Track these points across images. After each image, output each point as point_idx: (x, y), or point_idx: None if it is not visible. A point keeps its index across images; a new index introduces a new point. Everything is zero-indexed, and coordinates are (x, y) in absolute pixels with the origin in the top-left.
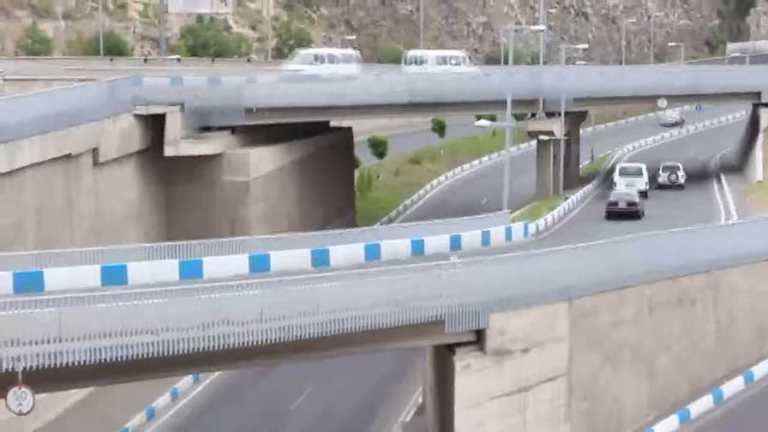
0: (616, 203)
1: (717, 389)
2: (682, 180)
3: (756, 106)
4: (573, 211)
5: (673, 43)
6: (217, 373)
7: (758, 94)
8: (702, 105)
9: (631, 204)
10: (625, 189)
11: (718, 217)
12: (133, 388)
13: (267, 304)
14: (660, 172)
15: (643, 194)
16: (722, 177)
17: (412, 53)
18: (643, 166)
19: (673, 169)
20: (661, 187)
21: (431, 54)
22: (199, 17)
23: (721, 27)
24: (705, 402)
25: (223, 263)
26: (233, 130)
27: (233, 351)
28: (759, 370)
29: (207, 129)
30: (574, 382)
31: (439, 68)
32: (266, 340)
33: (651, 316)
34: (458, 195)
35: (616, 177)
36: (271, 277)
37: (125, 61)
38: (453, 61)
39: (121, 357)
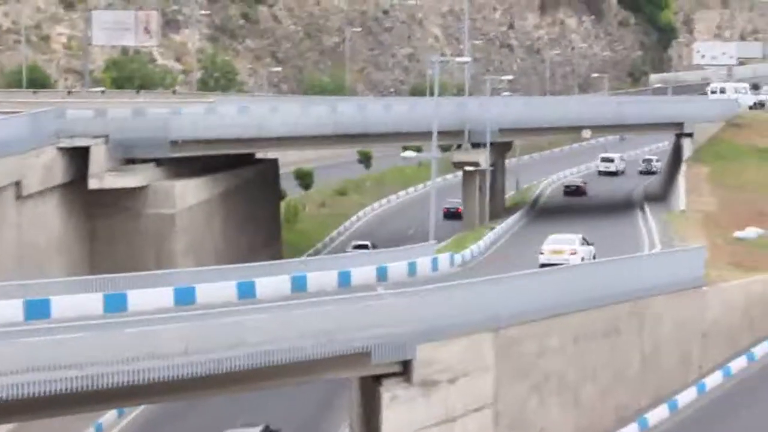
0: (568, 186)
1: (642, 418)
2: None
3: (678, 136)
4: (499, 241)
5: (596, 74)
6: (141, 407)
7: (680, 125)
8: (625, 135)
9: (579, 187)
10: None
11: (642, 246)
12: (56, 423)
13: (193, 337)
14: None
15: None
16: (646, 206)
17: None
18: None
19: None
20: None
21: (729, 85)
22: (124, 49)
23: (644, 58)
24: (630, 431)
25: (148, 296)
26: (158, 162)
27: (159, 385)
28: (683, 398)
29: (132, 161)
30: (500, 412)
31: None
32: (192, 374)
33: (577, 346)
34: (385, 226)
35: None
36: (197, 309)
37: (49, 94)
38: (742, 90)
39: (45, 392)
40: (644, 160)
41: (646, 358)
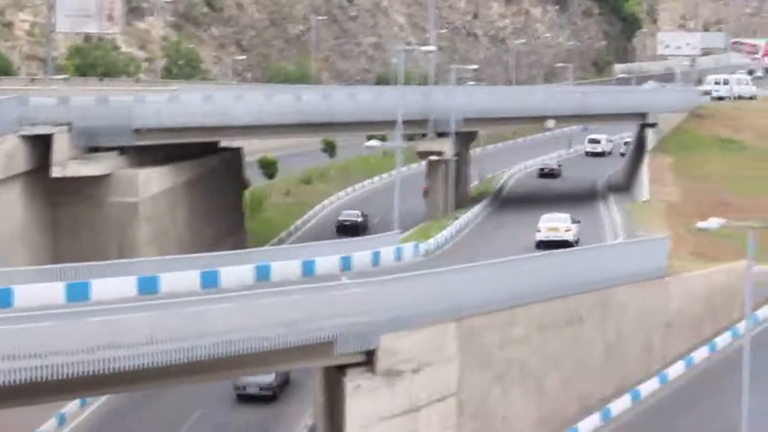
0: (543, 169)
1: (605, 407)
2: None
3: (642, 127)
4: (464, 230)
5: (561, 64)
6: (105, 397)
7: (644, 115)
8: (589, 125)
9: (553, 169)
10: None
11: (605, 236)
12: (18, 413)
13: (156, 326)
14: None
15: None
16: (610, 196)
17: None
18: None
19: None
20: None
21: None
22: (87, 37)
23: (608, 48)
24: (593, 420)
25: (112, 285)
26: (122, 150)
27: (122, 374)
28: (645, 387)
29: (95, 149)
30: (464, 401)
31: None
32: (156, 363)
33: (540, 335)
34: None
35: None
36: (161, 299)
37: (11, 81)
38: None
39: (7, 382)
40: (625, 143)
41: (610, 348)
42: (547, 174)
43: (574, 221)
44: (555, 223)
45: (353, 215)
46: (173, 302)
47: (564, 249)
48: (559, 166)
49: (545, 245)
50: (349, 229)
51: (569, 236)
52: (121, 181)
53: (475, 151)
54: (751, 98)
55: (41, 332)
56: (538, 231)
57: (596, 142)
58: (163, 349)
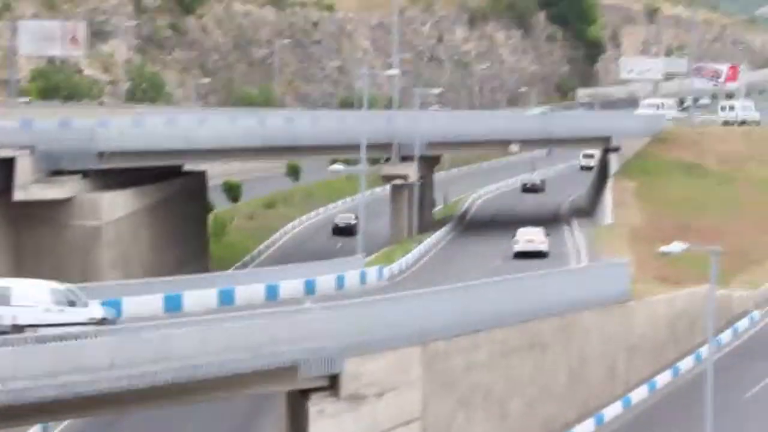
0: (525, 184)
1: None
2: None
3: (606, 151)
4: (428, 254)
5: (524, 88)
6: (66, 422)
7: (608, 139)
8: (553, 149)
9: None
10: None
11: (569, 260)
12: None
13: (118, 350)
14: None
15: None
16: (573, 220)
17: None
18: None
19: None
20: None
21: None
22: (50, 59)
23: (572, 73)
24: None
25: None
26: (85, 174)
27: (84, 399)
28: (609, 412)
29: (58, 173)
30: (428, 426)
31: None
32: (118, 388)
33: (504, 360)
34: (313, 239)
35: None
36: (123, 323)
37: None
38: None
39: None
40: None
41: (573, 372)
42: (529, 189)
43: (546, 234)
44: (531, 236)
45: (348, 218)
46: (136, 326)
47: (537, 264)
48: (542, 181)
49: (523, 255)
50: (344, 231)
51: (543, 247)
52: (84, 204)
53: (439, 175)
54: (755, 123)
55: (2, 357)
56: (516, 243)
57: (590, 156)
58: (125, 374)
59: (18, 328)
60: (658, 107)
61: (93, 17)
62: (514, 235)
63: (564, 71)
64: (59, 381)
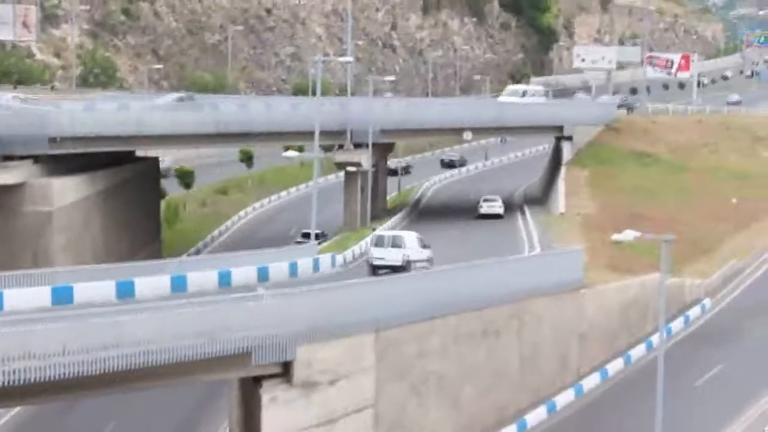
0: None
1: (521, 419)
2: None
3: (558, 140)
4: None
5: (478, 76)
6: (17, 409)
7: (560, 128)
8: (506, 138)
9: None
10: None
11: (522, 248)
12: None
13: (70, 337)
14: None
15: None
16: (526, 209)
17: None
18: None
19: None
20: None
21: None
22: (1, 44)
23: (525, 61)
24: (509, 431)
25: (25, 295)
26: (36, 159)
27: (35, 385)
28: (561, 399)
29: (9, 158)
30: (381, 413)
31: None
32: (69, 374)
33: (457, 347)
34: (266, 226)
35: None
36: (75, 309)
37: None
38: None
39: None
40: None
41: (526, 360)
42: (448, 165)
43: (503, 202)
44: (491, 203)
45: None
46: (87, 312)
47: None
48: (461, 156)
49: (485, 217)
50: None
51: (500, 211)
52: (35, 190)
53: (392, 163)
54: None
55: None
56: (480, 207)
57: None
58: (76, 360)
59: (408, 264)
60: (522, 94)
61: (44, 1)
62: (478, 202)
63: (518, 59)
64: (9, 367)
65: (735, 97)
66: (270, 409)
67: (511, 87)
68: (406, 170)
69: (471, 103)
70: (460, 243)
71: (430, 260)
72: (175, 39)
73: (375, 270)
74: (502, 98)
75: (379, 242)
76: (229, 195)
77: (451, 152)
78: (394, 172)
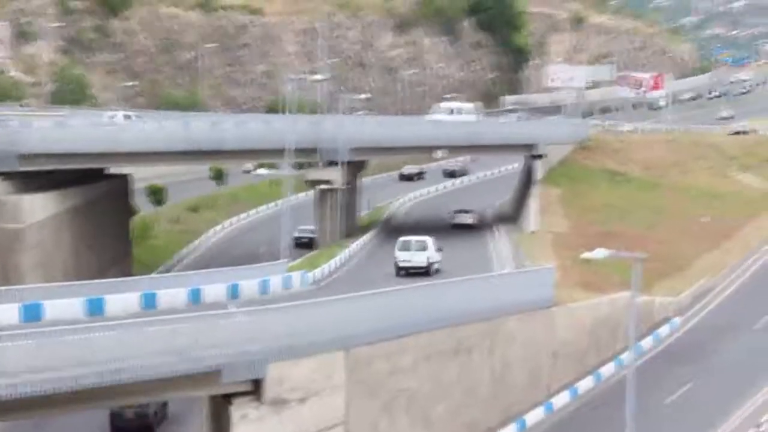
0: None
1: None
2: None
3: (530, 158)
4: (353, 259)
5: (451, 95)
6: None
7: (533, 146)
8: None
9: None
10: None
11: (492, 267)
12: None
13: (40, 354)
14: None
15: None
16: (497, 227)
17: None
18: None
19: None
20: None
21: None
22: None
23: (498, 80)
24: None
25: None
26: (7, 176)
27: (5, 403)
28: (531, 417)
29: None
30: (352, 430)
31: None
32: (39, 392)
33: (428, 365)
34: (237, 243)
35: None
36: (44, 326)
37: None
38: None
39: None
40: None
41: (497, 377)
42: (450, 174)
43: (475, 215)
44: (464, 214)
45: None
46: (57, 330)
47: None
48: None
49: (457, 227)
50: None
51: (472, 222)
52: (5, 206)
53: (364, 181)
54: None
55: None
56: (453, 218)
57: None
58: (46, 377)
59: (430, 266)
60: (452, 112)
61: (17, 18)
62: (451, 214)
63: (491, 78)
64: None
65: (726, 113)
66: (240, 427)
67: (442, 105)
68: (420, 176)
69: (443, 121)
70: None
71: (440, 262)
72: (149, 56)
73: (401, 271)
74: (429, 116)
75: (405, 246)
76: (201, 212)
77: (454, 162)
78: (409, 178)
